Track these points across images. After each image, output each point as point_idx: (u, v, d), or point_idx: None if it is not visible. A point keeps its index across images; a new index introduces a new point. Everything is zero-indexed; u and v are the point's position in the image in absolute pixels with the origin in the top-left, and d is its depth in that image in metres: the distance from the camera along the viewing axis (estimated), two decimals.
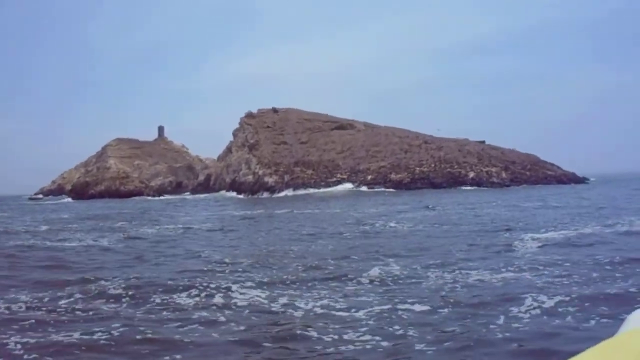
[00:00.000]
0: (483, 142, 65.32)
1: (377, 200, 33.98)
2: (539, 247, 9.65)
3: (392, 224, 15.13)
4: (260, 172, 62.03)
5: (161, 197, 64.36)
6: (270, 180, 60.22)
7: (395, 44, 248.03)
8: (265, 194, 57.90)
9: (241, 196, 59.27)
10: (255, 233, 14.42)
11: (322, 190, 54.87)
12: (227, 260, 9.18)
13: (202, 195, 66.94)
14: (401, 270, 7.70)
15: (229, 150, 73.08)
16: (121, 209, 32.48)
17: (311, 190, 54.94)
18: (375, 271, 7.58)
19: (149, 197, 62.10)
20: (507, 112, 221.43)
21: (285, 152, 64.65)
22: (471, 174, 54.61)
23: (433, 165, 56.98)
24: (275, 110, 74.39)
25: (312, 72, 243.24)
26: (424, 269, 7.81)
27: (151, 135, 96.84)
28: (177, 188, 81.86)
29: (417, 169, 56.88)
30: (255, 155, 65.15)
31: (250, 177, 63.41)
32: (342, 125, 69.25)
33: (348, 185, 55.49)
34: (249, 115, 72.61)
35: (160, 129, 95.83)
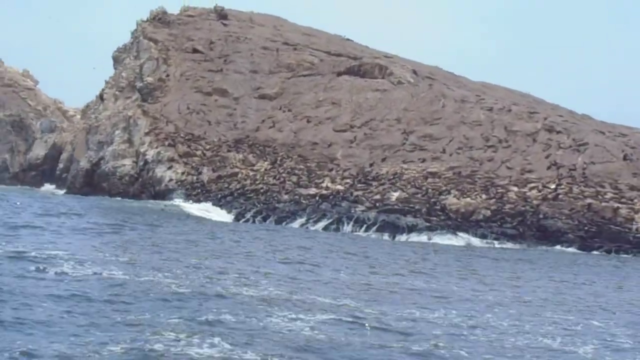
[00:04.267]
0: None
1: None
2: None
3: None
4: (150, 154, 57.79)
5: None
6: (167, 174, 56.39)
7: None
8: (150, 203, 53.65)
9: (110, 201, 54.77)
10: None
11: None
12: None
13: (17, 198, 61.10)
14: None
15: (100, 97, 69.35)
16: None
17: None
18: None
19: None
20: None
21: (221, 113, 62.02)
22: None
23: (554, 186, 50.51)
24: (221, 15, 72.86)
25: None
26: None
27: None
28: None
29: (514, 190, 50.77)
30: (148, 114, 61.43)
31: (126, 163, 59.23)
32: (362, 68, 66.06)
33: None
34: (158, 18, 70.12)
35: None
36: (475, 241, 46.36)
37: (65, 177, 70.36)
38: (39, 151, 77.86)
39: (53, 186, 70.56)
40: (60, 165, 73.34)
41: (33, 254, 22.31)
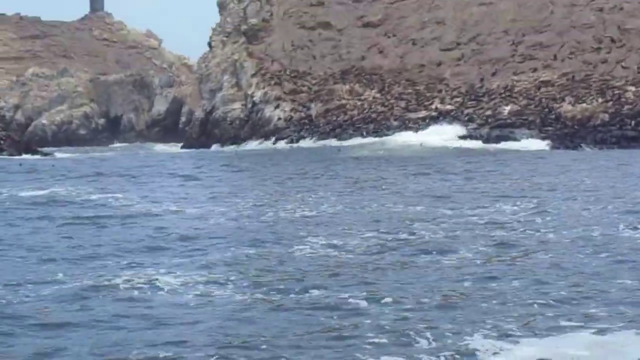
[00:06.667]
0: None
1: None
2: None
3: None
4: (258, 95, 56.57)
5: (47, 157, 54.28)
6: (276, 113, 55.29)
7: None
8: (254, 143, 53.30)
9: (218, 153, 53.22)
10: None
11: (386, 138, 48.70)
12: None
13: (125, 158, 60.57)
14: None
15: (208, 45, 68.41)
16: None
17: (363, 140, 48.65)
18: None
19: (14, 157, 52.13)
20: None
21: (325, 46, 59.77)
22: None
23: None
24: None
25: None
26: None
27: (73, 11, 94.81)
28: (104, 132, 78.41)
29: (632, 89, 48.49)
30: (254, 55, 59.90)
31: (236, 107, 57.92)
32: None
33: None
34: None
35: None
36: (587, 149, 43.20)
37: (184, 129, 69.98)
38: (160, 107, 77.25)
39: (168, 144, 66.41)
40: (183, 119, 72.83)
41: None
